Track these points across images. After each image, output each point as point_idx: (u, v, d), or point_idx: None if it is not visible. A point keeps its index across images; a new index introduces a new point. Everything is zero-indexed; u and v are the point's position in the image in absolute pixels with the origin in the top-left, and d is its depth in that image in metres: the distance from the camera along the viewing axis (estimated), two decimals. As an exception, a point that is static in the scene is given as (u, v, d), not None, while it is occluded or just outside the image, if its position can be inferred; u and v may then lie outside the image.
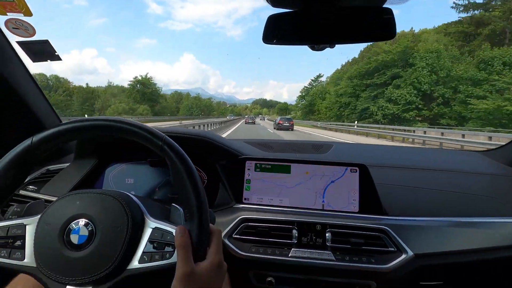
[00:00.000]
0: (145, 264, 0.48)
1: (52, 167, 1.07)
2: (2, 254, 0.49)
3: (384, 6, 0.63)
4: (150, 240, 0.49)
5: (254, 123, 42.41)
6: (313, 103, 49.98)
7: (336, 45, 0.69)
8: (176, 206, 0.57)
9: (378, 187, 0.89)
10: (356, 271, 0.80)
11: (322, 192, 0.90)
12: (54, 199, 0.92)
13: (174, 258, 0.47)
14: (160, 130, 0.62)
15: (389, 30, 0.65)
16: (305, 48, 0.74)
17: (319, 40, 0.68)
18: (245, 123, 39.30)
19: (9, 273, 0.56)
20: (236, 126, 29.21)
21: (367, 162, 0.93)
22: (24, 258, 0.48)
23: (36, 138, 0.53)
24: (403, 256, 0.80)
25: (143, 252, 0.48)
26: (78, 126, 0.54)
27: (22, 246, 0.49)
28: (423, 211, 0.89)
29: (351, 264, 0.80)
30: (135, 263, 0.48)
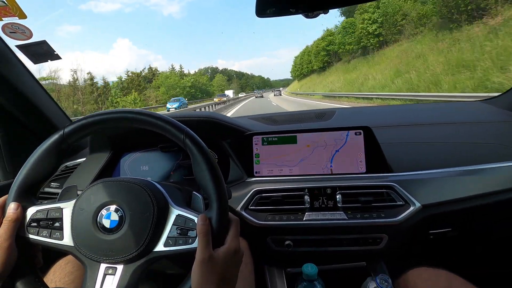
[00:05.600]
0: (170, 247, 0.51)
1: (69, 163, 1.12)
2: (44, 234, 0.53)
3: None
4: (174, 226, 0.52)
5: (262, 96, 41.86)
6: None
7: (329, 10, 0.68)
8: (197, 194, 0.60)
9: (383, 146, 0.92)
10: (368, 226, 0.85)
11: (329, 158, 0.94)
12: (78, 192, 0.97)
13: (196, 244, 0.50)
14: (170, 116, 0.64)
15: None
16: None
17: (313, 7, 0.68)
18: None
19: (52, 253, 0.61)
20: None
21: (371, 124, 0.96)
22: (63, 238, 0.52)
23: (67, 128, 0.56)
24: (411, 208, 0.84)
25: (168, 236, 0.52)
26: (106, 118, 0.57)
27: (61, 227, 0.53)
28: (428, 165, 0.92)
29: (363, 221, 0.85)
30: (160, 246, 0.51)
